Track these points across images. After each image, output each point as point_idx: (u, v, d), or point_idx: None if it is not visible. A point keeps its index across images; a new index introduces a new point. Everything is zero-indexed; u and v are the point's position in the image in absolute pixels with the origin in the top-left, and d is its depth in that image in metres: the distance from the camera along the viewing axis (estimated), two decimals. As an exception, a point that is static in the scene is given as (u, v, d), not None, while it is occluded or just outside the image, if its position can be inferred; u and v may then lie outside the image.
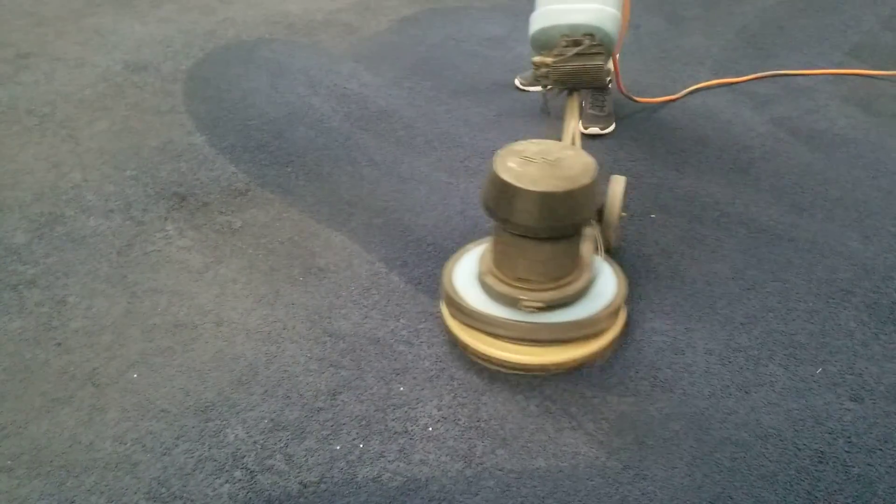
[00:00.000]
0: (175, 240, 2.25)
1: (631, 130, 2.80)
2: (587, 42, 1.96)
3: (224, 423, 1.70)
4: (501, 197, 1.69)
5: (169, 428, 1.69)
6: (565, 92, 2.14)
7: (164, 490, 1.55)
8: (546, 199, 1.65)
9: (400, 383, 1.80)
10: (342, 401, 1.75)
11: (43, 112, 2.90)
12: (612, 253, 2.05)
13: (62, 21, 3.69)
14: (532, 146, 1.78)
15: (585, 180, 1.68)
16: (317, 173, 2.56)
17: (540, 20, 2.02)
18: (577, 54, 1.96)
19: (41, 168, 2.57)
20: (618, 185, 2.01)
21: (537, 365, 1.79)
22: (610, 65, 2.13)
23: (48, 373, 1.82)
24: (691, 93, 3.04)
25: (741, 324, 1.94)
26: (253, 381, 1.80)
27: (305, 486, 1.56)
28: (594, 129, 2.76)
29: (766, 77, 3.18)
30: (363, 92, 3.10)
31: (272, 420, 1.71)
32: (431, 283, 2.08)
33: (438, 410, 1.73)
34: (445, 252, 2.19)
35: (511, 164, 1.71)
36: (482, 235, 2.24)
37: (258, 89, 3.06)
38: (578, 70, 1.99)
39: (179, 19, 3.72)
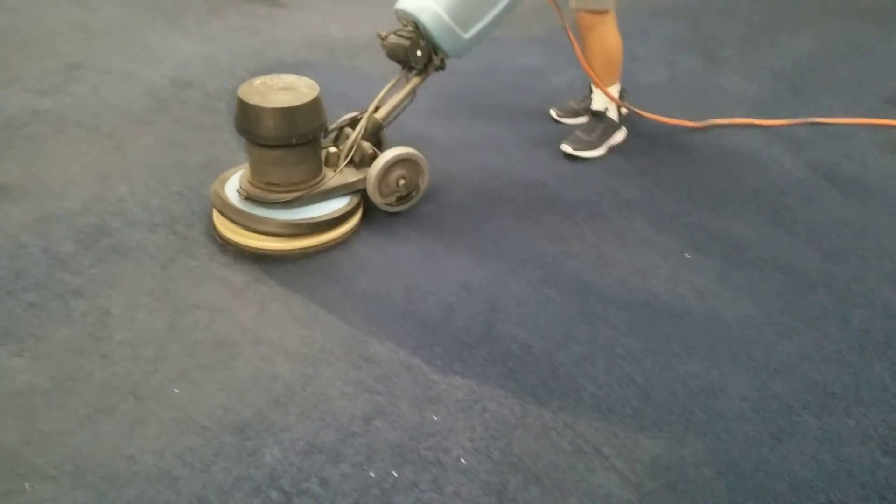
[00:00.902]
0: (217, 256, 2.30)
1: (665, 166, 2.83)
2: (409, 28, 2.39)
3: (261, 442, 1.73)
4: (246, 116, 2.21)
5: (208, 444, 1.72)
6: None
7: (202, 507, 1.59)
8: (280, 112, 2.17)
9: (433, 412, 1.83)
10: (376, 426, 1.78)
11: (91, 123, 2.97)
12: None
13: (111, 34, 3.78)
14: (269, 79, 2.30)
15: (306, 99, 2.21)
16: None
17: (399, 2, 2.43)
18: (396, 34, 2.41)
19: (89, 179, 2.63)
20: (394, 152, 2.41)
21: (271, 249, 2.29)
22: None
23: (92, 383, 1.86)
24: (720, 127, 3.08)
25: (775, 370, 1.96)
26: (290, 402, 1.84)
27: (340, 511, 1.59)
28: (567, 147, 2.85)
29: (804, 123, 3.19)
30: (401, 118, 3.14)
31: (308, 442, 1.74)
32: (464, 312, 2.11)
33: (471, 442, 1.75)
34: (481, 279, 2.23)
35: (253, 91, 2.24)
36: (519, 265, 2.28)
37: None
38: (394, 46, 2.41)
39: (225, 38, 3.80)
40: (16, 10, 4.00)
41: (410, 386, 1.89)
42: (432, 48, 2.41)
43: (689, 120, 3.08)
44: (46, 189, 2.57)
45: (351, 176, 2.42)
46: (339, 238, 2.36)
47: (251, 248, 2.30)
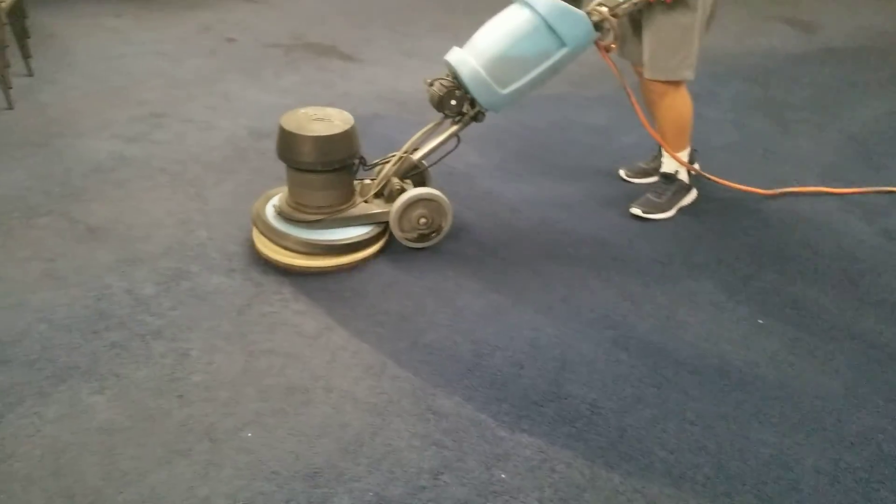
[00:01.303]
0: (291, 303, 2.36)
1: (736, 229, 2.81)
2: (450, 77, 2.53)
3: (331, 491, 1.75)
4: (284, 142, 2.44)
5: (279, 490, 1.75)
6: None
7: (272, 552, 1.61)
8: (312, 140, 2.40)
9: (501, 470, 1.83)
10: (444, 481, 1.79)
11: (174, 170, 3.10)
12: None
13: (194, 85, 3.95)
14: (310, 110, 2.53)
15: (338, 130, 2.43)
16: (423, 249, 2.64)
17: (448, 53, 2.54)
18: (439, 82, 2.54)
19: (171, 224, 2.73)
20: (416, 191, 2.55)
21: (299, 266, 2.49)
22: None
23: (169, 424, 1.92)
24: (790, 194, 3.05)
25: (851, 443, 1.91)
26: (359, 452, 1.86)
27: (407, 564, 1.59)
28: (636, 210, 2.87)
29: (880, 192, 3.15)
30: (469, 172, 3.21)
31: (377, 494, 1.75)
32: (532, 369, 2.12)
33: (539, 503, 1.74)
34: (549, 337, 2.24)
35: (293, 119, 2.47)
36: (588, 324, 2.28)
37: (371, 161, 3.19)
38: (433, 94, 2.54)
39: (301, 90, 3.94)
40: (107, 60, 4.21)
41: (478, 442, 1.90)
42: (469, 99, 2.53)
43: (761, 186, 3.06)
44: (131, 232, 2.68)
45: (376, 208, 2.58)
46: (352, 262, 2.53)
47: (269, 258, 2.51)
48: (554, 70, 2.50)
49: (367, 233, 2.55)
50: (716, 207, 2.96)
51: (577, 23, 2.44)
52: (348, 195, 2.59)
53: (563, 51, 2.45)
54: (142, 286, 2.41)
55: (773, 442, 1.91)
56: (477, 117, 2.59)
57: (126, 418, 1.94)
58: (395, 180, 2.62)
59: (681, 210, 2.91)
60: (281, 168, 2.70)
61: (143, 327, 2.24)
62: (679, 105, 2.74)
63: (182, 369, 2.09)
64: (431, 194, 2.57)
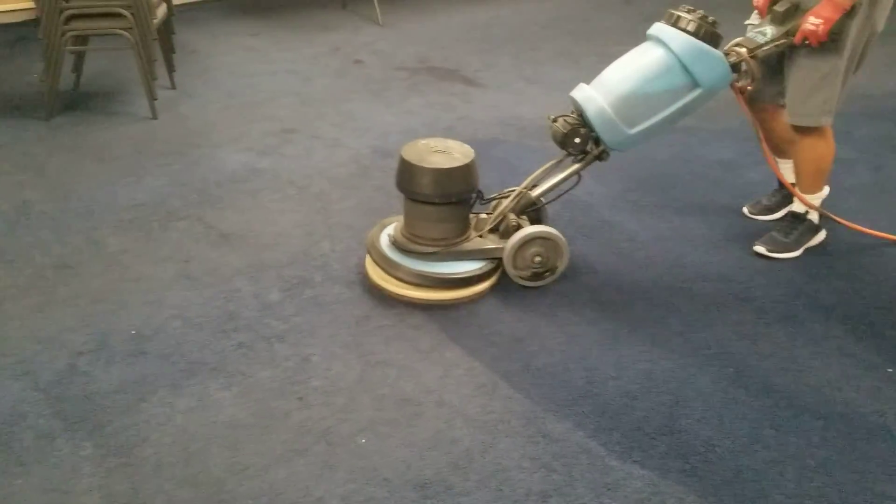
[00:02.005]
0: (406, 317, 2.42)
1: (866, 272, 2.70)
2: (575, 115, 2.51)
3: (440, 503, 1.78)
4: (403, 172, 2.46)
5: (390, 497, 1.79)
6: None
7: (382, 557, 1.65)
8: (431, 172, 2.40)
9: (610, 499, 1.81)
10: (552, 504, 1.79)
11: (302, 184, 3.24)
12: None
13: (323, 103, 4.12)
14: (431, 141, 2.55)
15: (457, 164, 2.42)
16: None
17: (574, 89, 2.53)
18: (563, 118, 2.51)
19: (297, 234, 2.86)
20: (532, 229, 2.51)
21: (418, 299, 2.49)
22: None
23: (289, 424, 2.00)
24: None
25: None
26: (468, 468, 1.89)
27: (513, 583, 1.60)
28: (761, 248, 2.79)
29: None
30: (589, 200, 3.20)
31: (485, 510, 1.77)
32: (646, 401, 2.10)
33: (648, 534, 1.73)
34: (664, 370, 2.21)
35: (413, 150, 2.48)
36: (705, 360, 2.24)
37: (489, 186, 3.23)
38: (556, 131, 2.51)
39: (423, 112, 4.04)
40: (243, 77, 4.44)
41: (588, 469, 1.89)
42: (593, 138, 2.48)
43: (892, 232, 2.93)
44: (260, 240, 2.82)
45: (490, 243, 2.55)
46: (463, 298, 2.49)
47: (381, 287, 2.53)
48: (685, 112, 2.45)
49: (480, 268, 2.51)
50: (845, 251, 2.85)
51: (713, 64, 2.39)
52: (464, 229, 2.57)
53: (697, 92, 2.41)
54: (268, 291, 2.52)
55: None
56: (601, 156, 2.54)
57: (250, 415, 2.03)
58: (512, 216, 2.58)
59: (808, 250, 2.82)
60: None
61: (269, 330, 2.34)
62: (821, 147, 2.64)
63: (303, 373, 2.18)
64: (548, 233, 2.52)
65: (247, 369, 2.19)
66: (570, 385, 2.17)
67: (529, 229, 2.51)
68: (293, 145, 3.61)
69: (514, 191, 2.65)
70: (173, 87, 4.22)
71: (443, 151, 2.48)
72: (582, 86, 2.51)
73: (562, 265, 2.59)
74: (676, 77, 2.39)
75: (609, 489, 1.84)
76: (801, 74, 2.50)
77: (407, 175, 2.46)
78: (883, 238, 2.89)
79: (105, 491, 1.79)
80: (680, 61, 2.37)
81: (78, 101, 4.02)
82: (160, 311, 2.42)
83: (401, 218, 2.62)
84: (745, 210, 3.11)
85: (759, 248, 2.78)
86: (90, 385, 2.11)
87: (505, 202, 2.62)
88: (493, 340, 2.34)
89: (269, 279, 2.59)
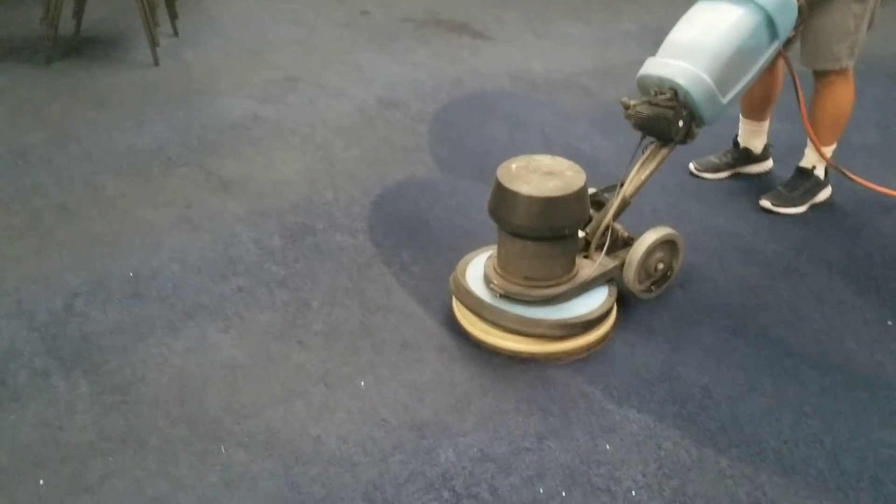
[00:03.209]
0: (409, 266, 2.41)
1: (871, 229, 2.67)
2: (667, 95, 2.10)
3: (437, 443, 1.79)
4: (503, 202, 1.97)
5: (388, 437, 1.80)
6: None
7: (378, 494, 1.66)
8: (539, 202, 1.92)
9: (606, 441, 1.82)
10: (548, 446, 1.80)
11: (304, 133, 3.21)
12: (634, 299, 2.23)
13: (328, 53, 4.07)
14: (531, 161, 2.05)
15: (569, 191, 1.94)
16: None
17: (645, 66, 2.18)
18: (650, 103, 2.11)
19: (299, 182, 2.84)
20: (654, 234, 2.17)
21: (513, 350, 2.05)
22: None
23: (288, 366, 2.00)
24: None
25: (985, 455, 1.80)
26: (466, 410, 1.89)
27: (507, 521, 1.61)
28: (766, 203, 2.76)
29: None
30: (595, 154, 3.17)
31: (481, 450, 1.78)
32: (645, 350, 2.09)
33: (643, 477, 1.73)
34: (664, 320, 2.20)
35: (511, 175, 1.98)
36: (706, 311, 2.23)
37: (497, 139, 3.22)
38: (648, 117, 2.10)
39: (431, 64, 3.99)
40: (247, 25, 4.39)
41: (585, 412, 1.89)
42: (691, 118, 2.14)
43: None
44: (261, 187, 2.80)
45: (608, 263, 2.15)
46: (608, 333, 2.13)
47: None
48: (762, 69, 2.23)
49: (609, 296, 2.13)
50: (850, 207, 2.83)
51: (791, 11, 2.20)
52: (575, 257, 2.13)
53: (775, 44, 2.21)
54: (269, 238, 2.51)
55: (894, 443, 1.82)
56: (690, 135, 2.17)
57: (248, 357, 2.03)
58: (619, 226, 2.24)
59: (813, 206, 2.79)
60: (406, 137, 2.77)
61: (269, 275, 2.34)
62: (844, 93, 2.62)
63: (303, 318, 2.17)
64: (672, 235, 2.20)
65: (246, 313, 2.19)
66: (570, 333, 2.16)
67: (652, 236, 2.16)
68: (297, 94, 3.58)
69: (595, 193, 2.29)
70: (176, 34, 4.18)
71: (552, 173, 2.00)
72: (656, 60, 2.18)
73: (679, 264, 2.29)
74: (763, 32, 2.16)
75: (605, 432, 1.84)
76: (831, 19, 2.46)
77: (521, 210, 1.94)
78: (888, 194, 2.85)
79: (99, 427, 1.80)
80: (768, 14, 2.14)
81: (79, 47, 3.98)
82: (158, 255, 2.41)
83: (475, 256, 2.23)
84: (692, 166, 3.05)
85: (765, 203, 2.76)
86: (86, 325, 2.11)
87: (603, 212, 2.22)
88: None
89: (270, 226, 2.58)
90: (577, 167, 2.05)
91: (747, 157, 2.99)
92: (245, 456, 1.75)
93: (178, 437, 1.79)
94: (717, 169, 3.01)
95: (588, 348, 2.07)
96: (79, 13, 4.03)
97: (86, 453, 1.74)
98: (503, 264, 2.09)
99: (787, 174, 2.86)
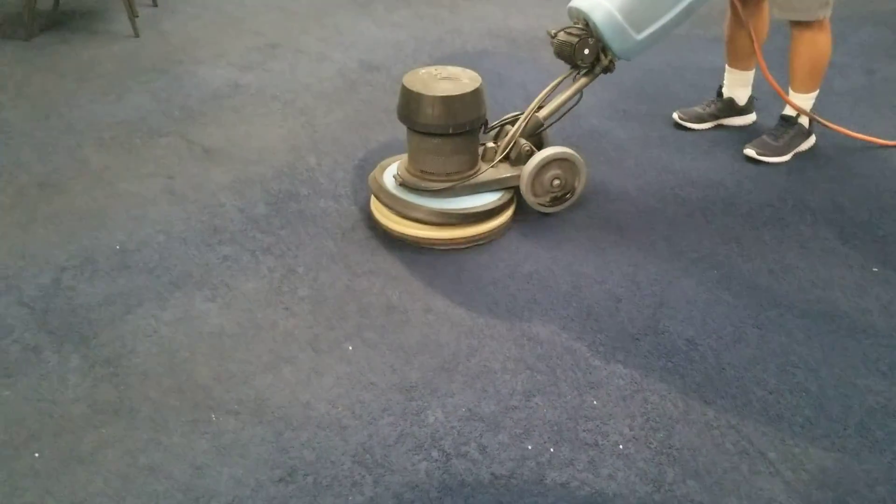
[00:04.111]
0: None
1: (855, 176, 2.68)
2: (579, 25, 2.37)
3: (425, 404, 1.81)
4: (408, 104, 2.26)
5: (376, 400, 1.82)
6: None
7: (368, 456, 1.68)
8: (434, 101, 2.21)
9: (593, 397, 1.84)
10: (536, 403, 1.81)
11: (286, 98, 3.19)
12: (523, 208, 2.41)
13: (307, 18, 4.02)
14: (433, 69, 2.36)
15: (467, 90, 2.23)
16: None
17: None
18: (567, 32, 2.37)
19: (282, 149, 2.82)
20: (549, 151, 2.37)
21: (423, 238, 2.33)
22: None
23: (276, 333, 2.01)
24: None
25: (966, 396, 1.82)
26: (454, 370, 1.90)
27: (496, 478, 1.63)
28: (751, 151, 2.77)
29: None
30: (577, 110, 3.11)
31: (469, 410, 1.79)
32: (630, 304, 2.11)
33: (630, 430, 1.75)
34: (649, 274, 2.21)
35: (416, 80, 2.28)
36: (690, 263, 2.24)
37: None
38: (559, 44, 2.38)
39: (411, 25, 3.95)
40: (225, -7, 4.33)
41: (571, 369, 1.91)
42: (601, 48, 2.36)
43: (889, 137, 2.88)
44: (244, 155, 2.79)
45: (505, 172, 2.40)
46: (488, 232, 2.35)
47: (399, 233, 2.34)
48: (689, 12, 2.36)
49: (498, 199, 2.36)
50: (835, 154, 2.83)
51: None
52: (475, 160, 2.41)
53: None
54: (253, 206, 2.51)
55: (880, 390, 1.84)
56: (609, 68, 2.42)
57: (235, 325, 2.04)
58: (524, 142, 2.43)
59: (797, 155, 2.79)
60: (389, 100, 2.75)
61: (254, 243, 2.34)
62: (821, 42, 2.61)
63: (289, 284, 2.18)
64: (566, 153, 2.39)
65: (232, 281, 2.19)
66: (556, 290, 2.17)
67: (545, 152, 2.36)
68: (277, 60, 3.54)
69: (516, 116, 2.52)
70: (155, 4, 4.13)
71: (448, 78, 2.30)
72: None
73: (581, 186, 2.47)
74: None
75: (592, 387, 1.86)
76: None
77: (414, 106, 2.24)
78: (871, 142, 2.85)
79: (91, 400, 1.81)
80: None
81: (58, 21, 3.93)
82: (144, 227, 2.40)
83: (402, 157, 2.46)
84: (676, 116, 3.05)
85: (749, 152, 2.75)
86: (75, 299, 2.11)
87: (514, 127, 2.46)
88: (481, 248, 2.34)
89: (254, 194, 2.57)
90: (476, 76, 2.33)
91: (731, 107, 2.98)
92: (235, 423, 1.76)
93: (169, 407, 1.80)
94: (700, 119, 3.01)
95: (476, 239, 2.34)
96: (55, -15, 3.98)
97: (79, 425, 1.76)
98: (409, 160, 2.40)
99: (771, 123, 2.85)
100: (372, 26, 3.92)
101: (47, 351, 1.95)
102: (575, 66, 2.41)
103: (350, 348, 1.97)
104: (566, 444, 1.71)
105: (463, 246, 2.32)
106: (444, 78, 2.30)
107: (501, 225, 2.38)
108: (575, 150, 2.41)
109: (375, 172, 2.44)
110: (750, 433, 1.73)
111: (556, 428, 1.75)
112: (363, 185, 2.61)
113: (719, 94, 3.00)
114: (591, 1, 2.32)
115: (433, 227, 2.31)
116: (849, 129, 2.85)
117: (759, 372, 1.90)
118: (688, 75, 3.46)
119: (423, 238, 2.32)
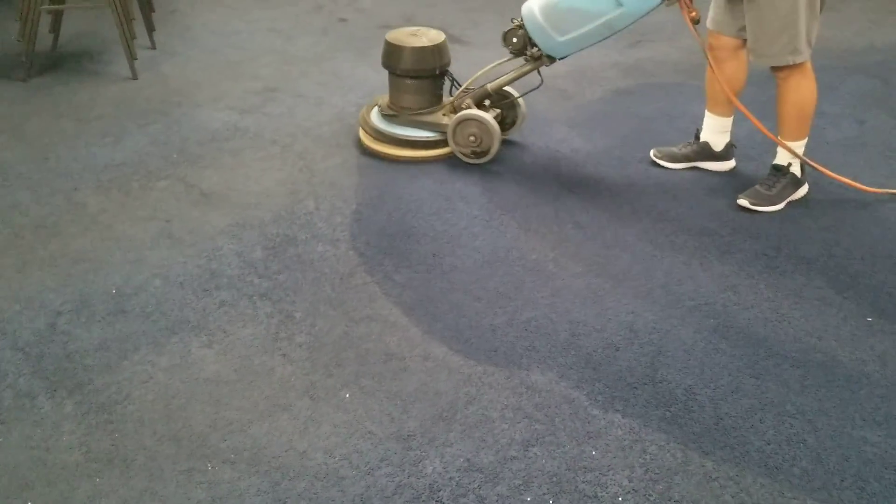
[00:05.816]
0: (392, 274, 2.41)
1: (848, 225, 2.70)
2: (519, 21, 2.89)
3: (423, 454, 1.80)
4: (389, 54, 3.06)
5: (374, 449, 1.80)
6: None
7: (365, 507, 1.66)
8: (409, 50, 3.01)
9: (592, 447, 1.83)
10: (535, 454, 1.81)
11: (285, 142, 3.21)
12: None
13: (306, 62, 4.07)
14: (410, 29, 3.15)
15: (432, 44, 3.03)
16: (525, 228, 2.66)
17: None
18: (513, 20, 2.91)
19: (280, 193, 2.84)
20: (465, 112, 2.99)
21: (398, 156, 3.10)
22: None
23: (272, 380, 2.00)
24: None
25: (964, 449, 1.83)
26: (452, 419, 1.90)
27: (495, 530, 1.62)
28: (744, 202, 2.80)
29: None
30: (574, 157, 3.19)
31: (468, 460, 1.78)
32: (628, 353, 2.11)
33: (629, 482, 1.74)
34: (647, 322, 2.22)
35: (395, 36, 3.07)
36: (688, 311, 2.25)
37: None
38: (503, 33, 2.94)
39: (409, 70, 3.98)
40: (224, 35, 4.38)
41: (570, 418, 1.91)
42: (528, 40, 2.85)
43: (878, 185, 2.92)
44: (242, 198, 2.79)
45: (443, 119, 3.07)
46: (420, 157, 3.07)
47: (372, 149, 3.12)
48: (609, 27, 2.65)
49: (430, 136, 3.06)
50: (828, 203, 2.86)
51: None
52: (431, 103, 3.11)
53: (619, 10, 2.58)
54: (251, 250, 2.51)
55: (877, 441, 1.84)
56: (541, 58, 2.89)
57: (232, 372, 2.03)
58: (468, 101, 3.02)
59: (790, 204, 2.82)
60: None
61: (251, 288, 2.34)
62: (804, 87, 2.65)
63: (286, 330, 2.17)
64: (481, 117, 2.94)
65: (229, 327, 2.18)
66: (554, 337, 2.17)
67: (466, 111, 2.97)
68: (276, 104, 3.57)
69: (484, 86, 3.09)
70: (153, 46, 4.16)
71: (418, 35, 3.06)
72: None
73: (493, 149, 2.98)
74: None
75: (591, 437, 1.85)
76: (760, 15, 2.52)
77: (391, 54, 3.03)
78: (863, 190, 2.88)
79: (86, 448, 1.80)
80: None
81: (56, 62, 3.96)
82: (141, 271, 2.40)
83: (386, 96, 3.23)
84: (652, 153, 3.11)
85: (743, 202, 2.78)
86: (70, 344, 2.10)
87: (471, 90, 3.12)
88: (478, 295, 2.34)
89: (252, 238, 2.58)
90: (441, 34, 3.11)
91: (706, 151, 3.03)
92: (232, 473, 1.75)
93: (164, 455, 1.78)
94: (674, 159, 3.06)
95: (432, 158, 3.09)
96: (56, 28, 4.01)
97: (73, 474, 1.74)
98: (389, 97, 3.18)
99: (763, 172, 2.89)
100: (370, 71, 3.96)
101: (41, 397, 1.94)
102: (509, 51, 2.96)
103: (347, 396, 1.96)
104: (565, 496, 1.70)
105: (404, 162, 3.07)
106: (415, 34, 3.06)
107: (430, 156, 3.09)
108: (491, 118, 2.95)
109: (364, 110, 3.26)
110: (749, 485, 1.73)
111: (555, 479, 1.74)
112: (361, 230, 2.62)
113: (696, 136, 3.05)
114: (528, 4, 2.81)
115: (391, 146, 3.07)
116: (839, 176, 2.88)
117: (756, 422, 1.90)
118: (682, 123, 3.50)
119: (384, 153, 3.08)
